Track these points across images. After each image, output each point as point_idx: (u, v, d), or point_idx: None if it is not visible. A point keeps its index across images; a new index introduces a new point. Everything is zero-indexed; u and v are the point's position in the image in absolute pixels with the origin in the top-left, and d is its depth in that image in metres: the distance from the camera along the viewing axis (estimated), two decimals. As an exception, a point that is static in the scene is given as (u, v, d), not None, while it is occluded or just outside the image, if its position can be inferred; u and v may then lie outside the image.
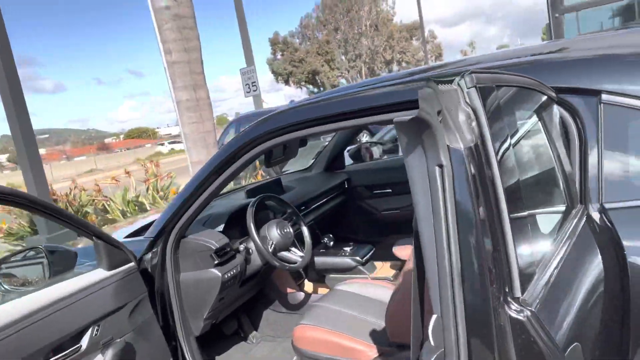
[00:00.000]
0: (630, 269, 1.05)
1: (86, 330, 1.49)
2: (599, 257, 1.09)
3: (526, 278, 0.82)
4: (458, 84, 0.79)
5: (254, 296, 2.54)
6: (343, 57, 35.21)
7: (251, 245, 2.19)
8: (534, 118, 1.14)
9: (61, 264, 1.55)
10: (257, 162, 5.07)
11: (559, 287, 0.92)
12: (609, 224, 1.12)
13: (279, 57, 36.96)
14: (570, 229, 1.09)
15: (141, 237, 2.01)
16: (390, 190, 3.12)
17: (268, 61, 37.46)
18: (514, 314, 0.76)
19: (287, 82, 37.48)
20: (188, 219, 1.87)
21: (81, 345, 1.47)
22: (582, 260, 1.06)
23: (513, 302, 0.77)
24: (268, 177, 5.02)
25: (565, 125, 1.26)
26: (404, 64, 35.97)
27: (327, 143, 3.40)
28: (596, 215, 1.16)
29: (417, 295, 0.89)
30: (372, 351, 1.79)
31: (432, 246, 0.78)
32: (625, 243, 1.07)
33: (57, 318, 1.40)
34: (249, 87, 11.09)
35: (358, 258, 2.42)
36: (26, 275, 1.54)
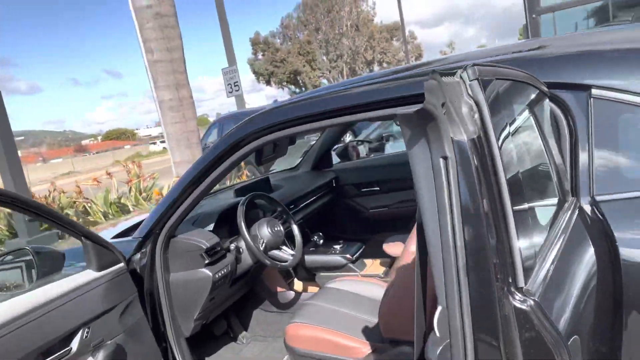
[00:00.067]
0: (622, 260, 1.07)
1: (76, 332, 1.46)
2: (592, 248, 1.11)
3: (528, 269, 0.83)
4: (460, 77, 0.79)
5: (243, 296, 2.52)
6: (324, 58, 35.28)
7: (242, 244, 2.17)
8: (528, 112, 1.16)
9: (49, 265, 1.51)
10: (243, 162, 5.04)
11: (557, 278, 0.94)
12: (600, 216, 1.14)
13: (260, 57, 36.83)
14: (565, 221, 1.11)
15: (129, 238, 1.98)
16: (378, 188, 3.13)
17: (249, 61, 37.30)
18: (518, 304, 0.77)
19: (268, 83, 37.36)
20: (178, 219, 1.84)
21: (71, 348, 1.44)
22: (576, 252, 1.08)
23: (517, 292, 0.78)
24: (253, 176, 4.99)
25: (556, 120, 1.28)
26: (384, 64, 36.21)
27: (313, 142, 3.40)
28: (588, 208, 1.18)
29: (420, 288, 0.90)
30: (365, 348, 1.79)
31: (437, 238, 0.78)
32: (616, 234, 1.09)
33: (46, 320, 1.37)
34: (231, 87, 11.00)
35: (348, 256, 2.42)
36: (13, 277, 1.50)
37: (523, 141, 1.13)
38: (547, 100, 1.24)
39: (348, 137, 7.20)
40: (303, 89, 35.41)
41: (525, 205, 0.95)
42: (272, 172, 3.47)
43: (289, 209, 2.55)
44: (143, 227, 1.93)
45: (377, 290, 2.15)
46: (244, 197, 2.26)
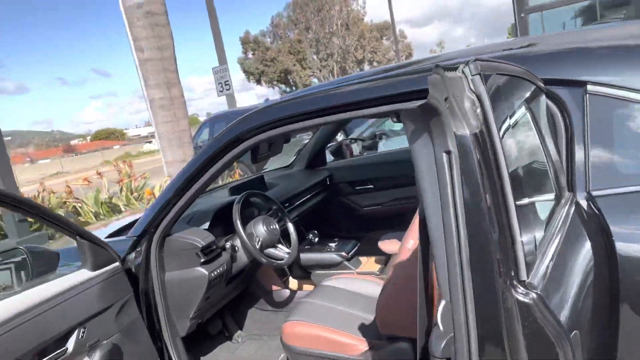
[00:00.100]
0: (618, 255, 1.08)
1: (72, 332, 1.44)
2: (589, 243, 1.12)
3: (529, 263, 0.84)
4: (463, 72, 0.80)
5: (238, 295, 2.51)
6: (315, 57, 35.25)
7: (237, 242, 2.16)
8: (525, 107, 1.17)
9: (43, 265, 1.49)
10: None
11: (557, 272, 0.95)
12: (596, 211, 1.15)
13: (250, 56, 36.69)
14: (562, 216, 1.12)
15: (123, 237, 1.96)
16: (372, 186, 3.13)
17: (239, 60, 37.14)
18: (521, 297, 0.78)
19: (258, 82, 37.23)
20: (173, 217, 1.83)
21: (67, 348, 1.42)
22: (574, 247, 1.09)
23: (519, 286, 0.79)
24: (246, 175, 4.97)
25: (552, 115, 1.29)
26: (375, 63, 36.27)
27: (306, 141, 3.40)
28: (584, 203, 1.19)
29: (423, 283, 0.90)
30: (363, 344, 1.79)
31: (440, 232, 0.79)
32: (612, 229, 1.10)
33: (42, 320, 1.35)
34: (221, 86, 10.95)
35: (344, 253, 2.42)
36: (7, 277, 1.47)
37: (521, 136, 1.14)
38: (544, 96, 1.25)
39: (340, 136, 7.21)
40: (294, 88, 35.35)
41: (525, 200, 0.96)
42: (265, 170, 3.46)
43: (283, 207, 2.55)
44: (138, 226, 1.92)
45: (373, 288, 2.15)
46: (238, 195, 2.25)
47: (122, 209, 4.80)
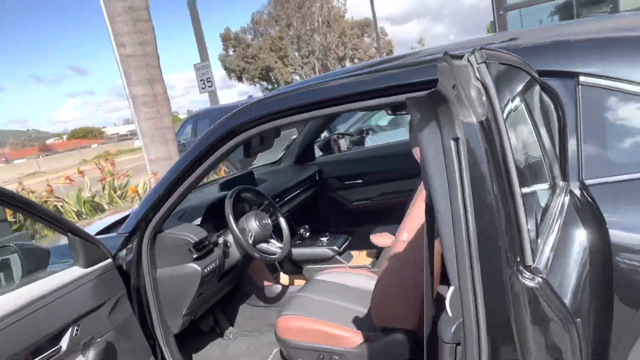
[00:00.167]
0: (612, 242, 1.11)
1: (65, 330, 1.42)
2: (584, 231, 1.14)
3: (533, 249, 0.85)
4: (468, 60, 0.81)
5: (229, 291, 2.50)
6: (296, 54, 35.14)
7: (229, 238, 2.15)
8: (520, 98, 1.19)
9: (34, 262, 1.46)
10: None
11: (558, 259, 0.96)
12: (589, 199, 1.18)
13: (231, 53, 36.40)
14: (559, 204, 1.14)
15: (114, 234, 1.93)
16: (361, 181, 3.15)
17: (220, 57, 36.81)
18: (527, 282, 0.79)
19: (240, 79, 36.96)
20: (165, 213, 1.81)
21: (61, 347, 1.39)
22: (571, 234, 1.12)
23: (525, 271, 0.80)
24: (231, 172, 4.93)
25: (545, 106, 1.32)
26: (356, 60, 36.35)
27: (295, 136, 3.39)
28: (577, 192, 1.22)
29: (429, 270, 0.91)
30: (357, 337, 1.80)
31: (448, 219, 0.79)
32: (606, 217, 1.13)
33: (35, 319, 1.32)
34: (203, 83, 10.83)
35: (335, 248, 2.43)
36: (-3, 275, 1.44)
37: (517, 126, 1.16)
38: (538, 86, 1.27)
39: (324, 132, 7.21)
40: (275, 85, 35.20)
41: (525, 188, 0.97)
42: (254, 166, 3.44)
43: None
44: (129, 223, 1.89)
45: (365, 281, 2.16)
46: (229, 190, 2.24)
47: (106, 208, 4.71)
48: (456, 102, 0.77)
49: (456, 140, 0.78)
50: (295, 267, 2.65)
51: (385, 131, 4.97)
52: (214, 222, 2.18)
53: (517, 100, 1.19)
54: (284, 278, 2.68)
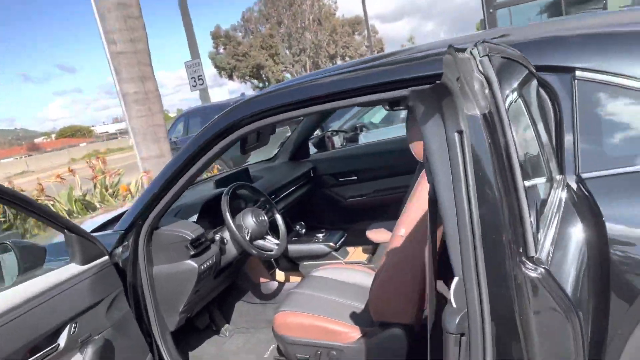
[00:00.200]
0: (609, 234, 1.12)
1: (63, 328, 1.41)
2: (581, 224, 1.16)
3: (535, 240, 0.86)
4: (471, 53, 0.81)
5: (225, 288, 2.49)
6: (287, 52, 35.06)
7: (226, 234, 2.14)
8: (518, 92, 1.20)
9: (30, 259, 1.44)
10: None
11: (557, 252, 0.98)
12: (586, 193, 1.19)
13: (221, 51, 36.21)
14: (557, 197, 1.16)
15: (109, 231, 1.92)
16: (355, 178, 3.16)
17: (210, 55, 36.60)
18: (530, 273, 0.80)
19: (230, 77, 36.80)
20: (161, 210, 1.80)
21: (59, 344, 1.38)
22: (569, 227, 1.13)
23: (528, 262, 0.81)
24: (224, 170, 4.91)
25: (542, 100, 1.33)
26: (347, 58, 36.36)
27: (288, 134, 3.39)
28: (574, 185, 1.23)
29: (432, 262, 0.91)
30: (355, 332, 1.81)
31: (452, 211, 0.80)
32: (603, 210, 1.14)
33: (33, 316, 1.31)
34: (194, 81, 10.77)
35: (331, 244, 2.43)
36: (-7, 272, 1.42)
37: (516, 119, 1.17)
38: (536, 81, 1.28)
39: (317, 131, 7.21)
40: (266, 83, 35.10)
41: (527, 181, 0.98)
42: (248, 164, 3.43)
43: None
44: (124, 220, 1.88)
45: (362, 277, 2.17)
46: (225, 187, 2.23)
47: (97, 206, 4.67)
48: (460, 94, 0.78)
49: (460, 133, 0.78)
50: (291, 263, 2.65)
51: (378, 128, 4.98)
52: (210, 219, 2.18)
53: (516, 94, 1.20)
54: (280, 275, 2.68)
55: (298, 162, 3.25)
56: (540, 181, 1.18)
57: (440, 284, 1.90)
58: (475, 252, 0.78)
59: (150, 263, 1.87)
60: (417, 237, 1.62)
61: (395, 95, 1.27)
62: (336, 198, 3.22)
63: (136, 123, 5.59)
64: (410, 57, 1.32)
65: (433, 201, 0.84)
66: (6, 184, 6.05)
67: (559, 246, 1.02)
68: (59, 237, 2.22)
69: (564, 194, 1.19)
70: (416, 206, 1.63)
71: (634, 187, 1.18)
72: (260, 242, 2.24)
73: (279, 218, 2.39)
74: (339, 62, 35.62)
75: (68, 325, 1.42)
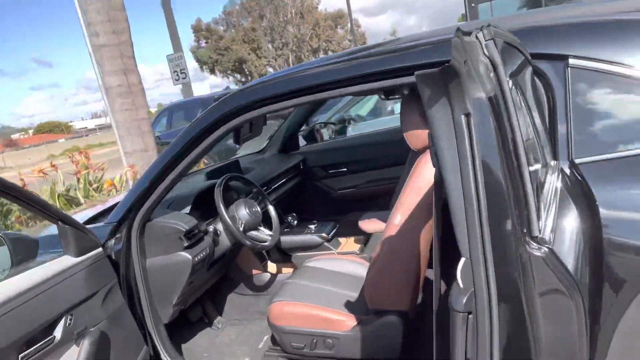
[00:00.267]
0: (602, 218, 1.15)
1: (59, 320, 1.39)
2: (575, 207, 1.19)
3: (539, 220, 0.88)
4: (476, 37, 0.82)
5: (217, 281, 2.49)
6: (270, 46, 34.83)
7: (219, 226, 2.13)
8: (515, 77, 1.22)
9: (23, 252, 1.42)
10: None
11: (557, 233, 1.00)
12: (579, 177, 1.22)
13: (203, 45, 35.79)
14: (553, 182, 1.18)
15: (101, 223, 1.89)
16: (345, 169, 3.17)
17: (192, 49, 36.15)
18: (534, 252, 0.82)
19: (212, 71, 36.42)
20: (154, 202, 1.78)
21: (55, 337, 1.36)
22: (563, 211, 1.16)
23: (532, 241, 0.83)
24: (211, 163, 4.87)
25: (536, 87, 1.36)
26: (330, 52, 36.30)
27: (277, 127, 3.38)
28: (567, 170, 1.26)
29: (438, 246, 0.93)
30: (351, 320, 1.82)
31: (459, 193, 0.81)
32: (595, 194, 1.17)
33: (28, 309, 1.29)
34: (177, 75, 10.64)
35: (324, 235, 2.44)
36: (-15, 265, 1.39)
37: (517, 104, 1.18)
38: (531, 68, 1.30)
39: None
40: (249, 77, 34.84)
41: (534, 168, 1.00)
42: (237, 156, 3.42)
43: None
44: (116, 212, 1.86)
45: (354, 267, 2.19)
46: (217, 179, 2.22)
47: (82, 201, 4.59)
48: (467, 77, 0.79)
49: (467, 115, 0.80)
50: (282, 255, 2.65)
51: (365, 121, 5.01)
52: (202, 210, 2.16)
53: (512, 80, 1.22)
54: (272, 266, 2.68)
55: (288, 155, 3.25)
56: (537, 166, 1.21)
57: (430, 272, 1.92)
58: (482, 232, 0.80)
59: (144, 255, 1.85)
60: (413, 225, 1.64)
61: (391, 84, 1.28)
62: (326, 190, 3.23)
63: (120, 117, 5.52)
64: (408, 46, 1.32)
65: (439, 184, 0.86)
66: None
67: (557, 228, 1.04)
68: (45, 231, 2.19)
69: (558, 179, 1.22)
70: (411, 195, 1.65)
71: (626, 171, 1.21)
72: (253, 233, 2.23)
73: (271, 209, 2.39)
74: (322, 56, 35.55)
75: (64, 318, 1.40)
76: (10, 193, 1.29)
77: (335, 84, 1.36)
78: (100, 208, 2.31)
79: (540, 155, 1.26)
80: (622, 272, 1.16)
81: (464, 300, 0.80)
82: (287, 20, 33.77)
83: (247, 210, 2.17)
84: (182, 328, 2.38)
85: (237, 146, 5.14)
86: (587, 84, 1.29)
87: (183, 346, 2.32)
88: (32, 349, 1.28)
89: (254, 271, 2.62)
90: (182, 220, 1.90)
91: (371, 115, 5.18)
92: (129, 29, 5.34)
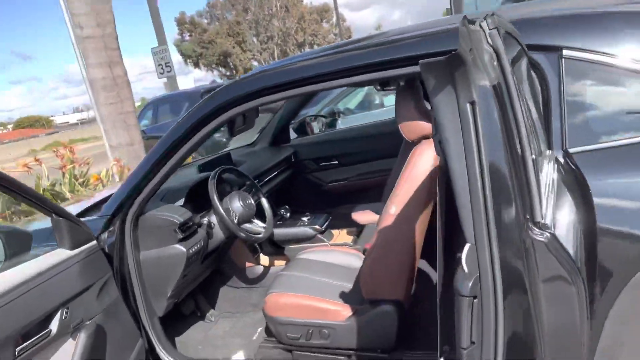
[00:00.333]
0: (596, 206, 1.18)
1: (55, 313, 1.37)
2: (570, 195, 1.21)
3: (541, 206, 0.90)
4: (480, 26, 0.83)
5: (209, 274, 2.48)
6: (255, 39, 34.58)
7: (213, 218, 2.13)
8: (513, 67, 1.24)
9: (16, 245, 1.40)
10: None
11: (556, 220, 1.02)
12: (573, 167, 1.25)
13: (187, 38, 35.37)
14: (549, 171, 1.20)
15: (94, 216, 1.87)
16: (336, 162, 3.18)
17: (175, 42, 35.69)
18: (537, 237, 0.84)
19: (196, 65, 36.05)
20: (148, 194, 1.77)
21: (51, 330, 1.35)
22: (559, 199, 1.18)
23: (535, 227, 0.85)
24: (200, 157, 4.83)
25: (531, 77, 1.38)
26: (315, 46, 36.18)
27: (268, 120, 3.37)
28: (562, 159, 1.29)
29: (442, 235, 0.94)
30: (346, 310, 1.84)
31: (464, 179, 0.83)
32: (589, 182, 1.20)
33: (23, 302, 1.27)
34: (162, 68, 10.49)
35: (317, 227, 2.45)
36: (-21, 259, 1.36)
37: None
38: (526, 58, 1.32)
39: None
40: (234, 71, 34.56)
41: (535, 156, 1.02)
42: (229, 149, 3.40)
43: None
44: (109, 205, 1.84)
45: (348, 258, 2.20)
46: (210, 172, 2.21)
47: (68, 196, 4.51)
48: (472, 66, 0.80)
49: (472, 103, 0.81)
50: (275, 247, 2.66)
51: (354, 114, 5.02)
52: (196, 203, 2.15)
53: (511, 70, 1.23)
54: (264, 259, 2.68)
55: (279, 147, 3.25)
56: (534, 155, 1.23)
57: (423, 263, 1.94)
58: (487, 218, 0.81)
59: (137, 248, 1.84)
60: (408, 215, 1.66)
61: (390, 74, 1.29)
62: (318, 182, 3.24)
63: (105, 110, 5.43)
64: (407, 36, 1.33)
65: (444, 171, 0.87)
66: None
67: (555, 216, 1.07)
68: (33, 226, 2.15)
69: (554, 169, 1.24)
70: (406, 186, 1.66)
71: (619, 160, 1.24)
72: (247, 225, 2.23)
73: (264, 202, 2.39)
74: (307, 50, 35.40)
75: (59, 311, 1.38)
76: (2, 184, 1.27)
77: (337, 74, 1.35)
78: (85, 203, 2.28)
79: (537, 145, 1.28)
80: (615, 259, 1.19)
81: (470, 285, 0.82)
82: (272, 13, 33.55)
83: (241, 203, 2.17)
84: (175, 321, 2.37)
85: (225, 139, 5.12)
86: (581, 74, 1.31)
87: (177, 339, 2.31)
88: (28, 342, 1.27)
89: (247, 264, 2.62)
90: (176, 212, 1.89)
91: (359, 109, 5.20)
92: (113, 21, 5.24)
